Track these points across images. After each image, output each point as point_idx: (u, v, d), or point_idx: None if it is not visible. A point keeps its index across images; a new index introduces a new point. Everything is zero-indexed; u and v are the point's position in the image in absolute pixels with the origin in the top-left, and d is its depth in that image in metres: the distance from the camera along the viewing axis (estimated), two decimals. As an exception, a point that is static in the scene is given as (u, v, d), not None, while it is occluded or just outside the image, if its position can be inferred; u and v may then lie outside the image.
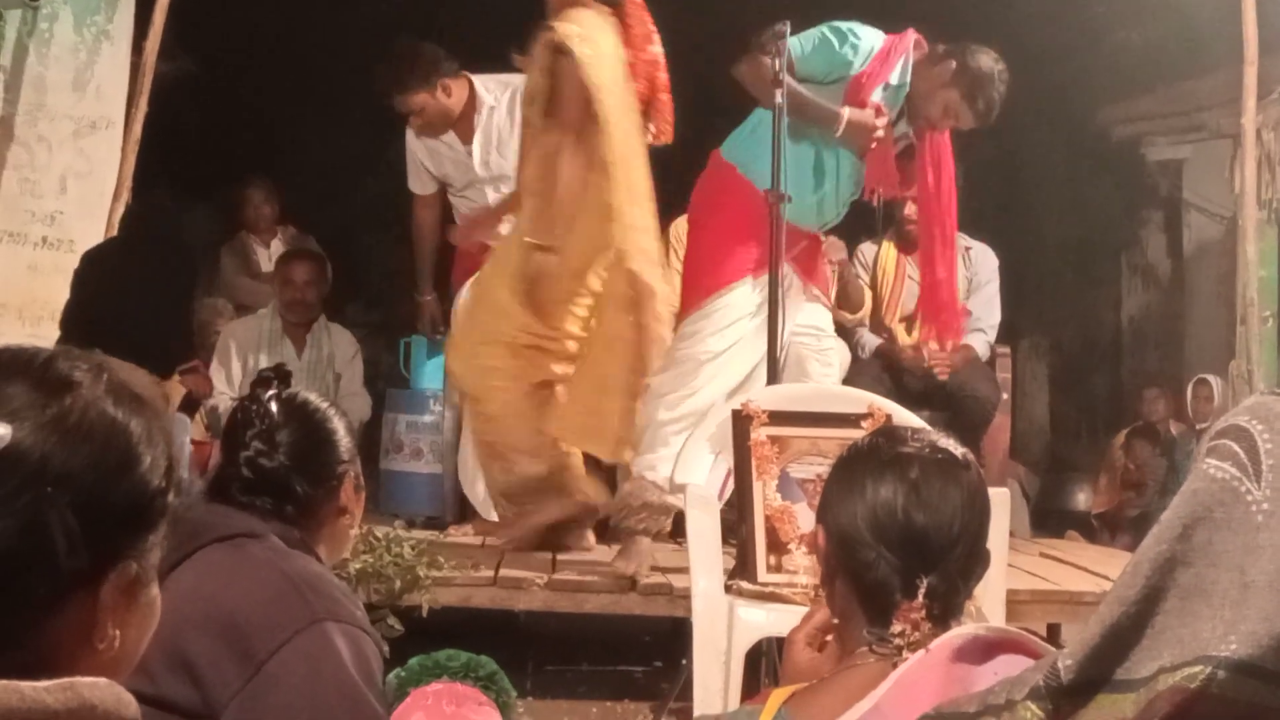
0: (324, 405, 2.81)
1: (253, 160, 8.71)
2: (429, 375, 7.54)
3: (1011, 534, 5.39)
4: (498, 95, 6.68)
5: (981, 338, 7.09)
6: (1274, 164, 7.56)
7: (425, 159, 6.92)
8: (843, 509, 2.19)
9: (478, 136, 6.72)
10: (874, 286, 7.12)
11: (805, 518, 4.44)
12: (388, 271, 8.86)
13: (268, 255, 8.34)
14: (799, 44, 5.29)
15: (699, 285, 5.47)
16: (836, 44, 5.33)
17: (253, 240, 8.43)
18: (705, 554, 4.39)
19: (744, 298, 5.35)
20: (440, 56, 6.66)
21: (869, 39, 5.37)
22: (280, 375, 2.78)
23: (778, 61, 5.06)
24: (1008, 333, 7.38)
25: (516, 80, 6.31)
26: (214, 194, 8.89)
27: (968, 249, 7.18)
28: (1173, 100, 8.74)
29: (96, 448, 1.47)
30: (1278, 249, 7.61)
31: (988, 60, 5.34)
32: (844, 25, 5.36)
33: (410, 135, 6.88)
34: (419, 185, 7.06)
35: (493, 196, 6.67)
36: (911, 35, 5.40)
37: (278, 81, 9.11)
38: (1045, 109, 7.52)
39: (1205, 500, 1.72)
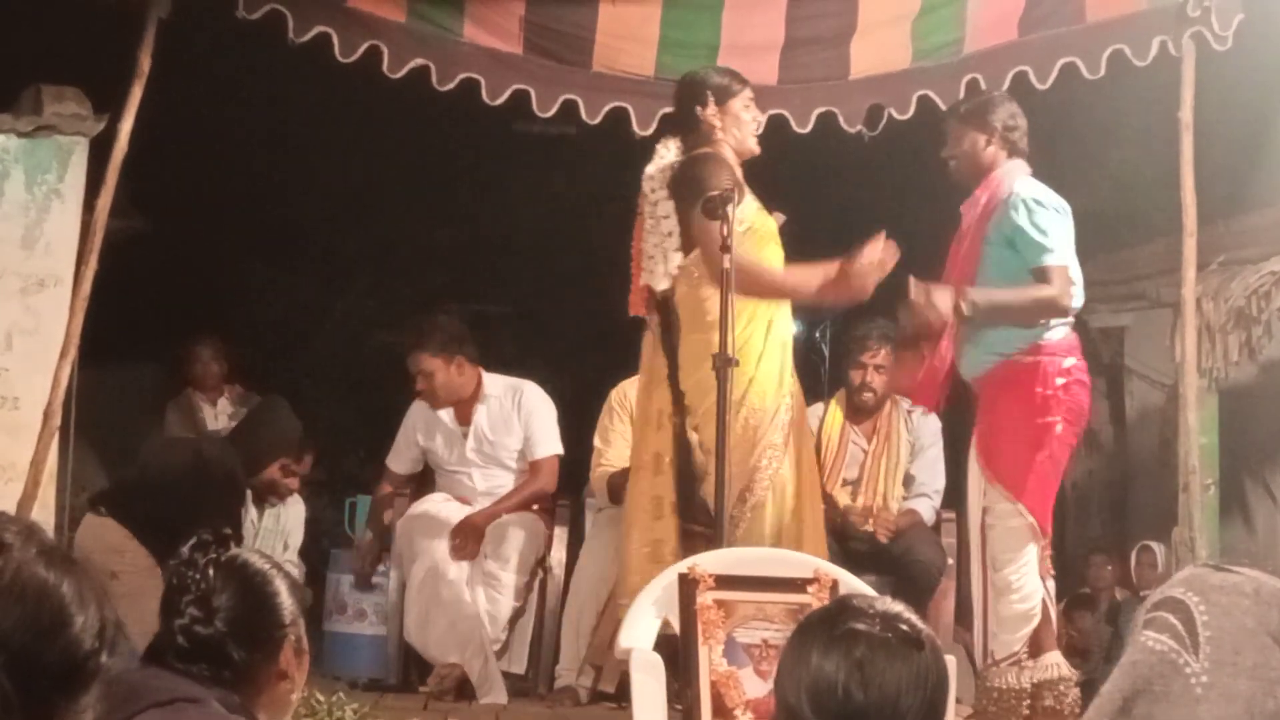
0: (265, 566, 2.77)
1: (201, 318, 8.72)
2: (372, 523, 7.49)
3: (958, 701, 5.36)
4: (501, 389, 7.03)
5: (926, 503, 7.09)
6: (1214, 333, 7.67)
7: (421, 430, 7.15)
8: (789, 680, 2.19)
9: (475, 423, 7.00)
10: (817, 450, 7.12)
11: (751, 683, 4.42)
12: (334, 429, 8.85)
13: (213, 413, 8.32)
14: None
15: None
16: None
17: (199, 398, 8.41)
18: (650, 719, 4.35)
19: None
20: (466, 337, 7.01)
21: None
22: (218, 538, 2.75)
23: (725, 227, 5.11)
24: (952, 498, 7.38)
25: (519, 381, 7.04)
26: (162, 352, 8.88)
27: (910, 413, 7.21)
28: (1113, 268, 8.86)
29: (28, 609, 1.46)
30: (1218, 417, 7.69)
31: None
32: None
33: (414, 405, 7.16)
34: (399, 463, 7.28)
35: (479, 481, 6.99)
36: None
37: (228, 240, 9.16)
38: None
39: (1144, 673, 1.73)
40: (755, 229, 5.47)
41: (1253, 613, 1.79)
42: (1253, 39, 6.49)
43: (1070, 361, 5.54)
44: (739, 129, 5.57)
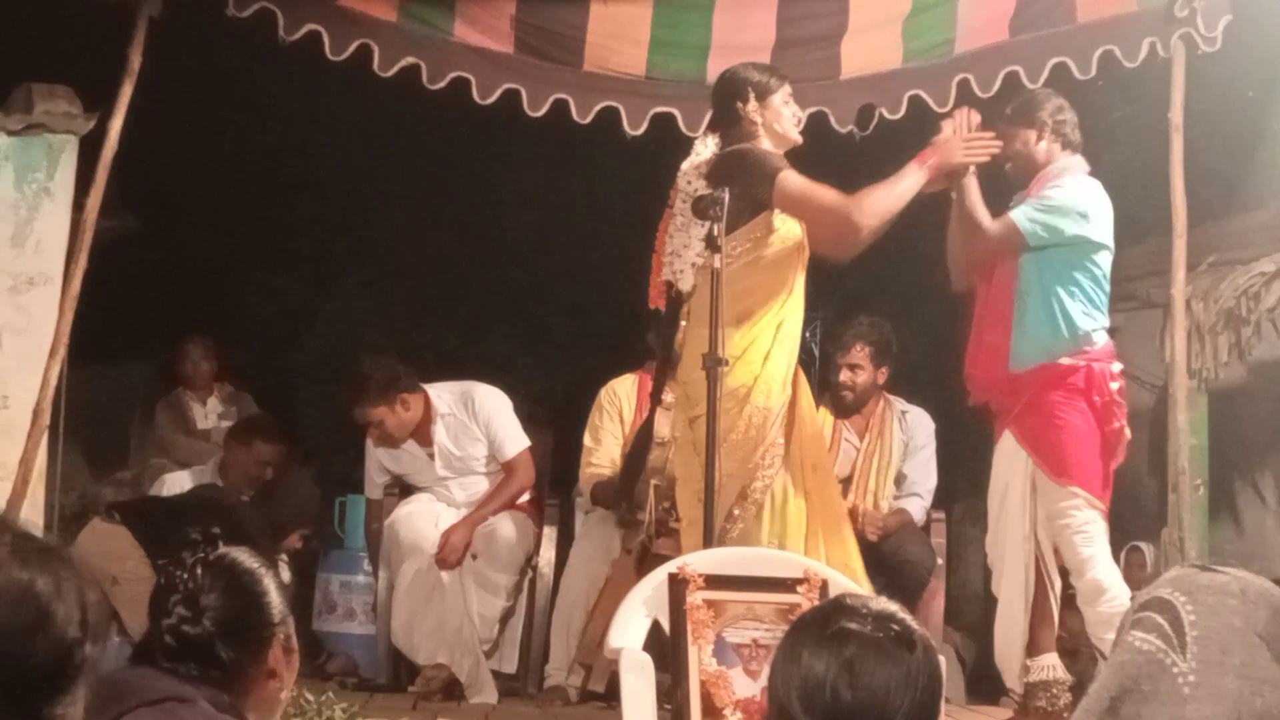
0: (254, 565, 2.77)
1: (192, 317, 8.70)
2: (363, 534, 7.50)
3: (947, 701, 5.38)
4: (451, 402, 6.98)
5: (917, 502, 7.11)
6: (1204, 334, 7.67)
7: (387, 460, 7.17)
8: (780, 678, 2.19)
9: (437, 443, 6.98)
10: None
11: (740, 683, 4.42)
12: (324, 428, 8.84)
13: (203, 413, 8.31)
14: None
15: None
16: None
17: (189, 397, 8.41)
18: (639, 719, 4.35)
19: None
20: (399, 373, 6.98)
21: None
22: (207, 538, 2.75)
23: (717, 227, 5.11)
24: (943, 498, 7.40)
25: (465, 386, 6.98)
26: (153, 350, 8.87)
27: (904, 413, 7.24)
28: (1104, 269, 8.87)
29: (7, 611, 1.45)
30: (1208, 418, 7.68)
31: None
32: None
33: (370, 443, 7.17)
34: (376, 490, 7.30)
35: (458, 492, 6.99)
36: None
37: (218, 239, 9.14)
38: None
39: (1132, 673, 1.73)
40: (780, 233, 5.46)
41: (1240, 612, 1.80)
42: (1241, 40, 6.50)
43: (1118, 367, 5.70)
44: (779, 123, 5.56)
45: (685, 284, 5.46)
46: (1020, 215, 5.63)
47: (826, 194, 5.33)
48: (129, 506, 6.68)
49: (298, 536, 7.01)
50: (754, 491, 5.33)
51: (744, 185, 5.29)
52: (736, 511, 5.31)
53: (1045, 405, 5.61)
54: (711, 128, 5.69)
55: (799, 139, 5.62)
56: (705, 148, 5.62)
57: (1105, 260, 5.74)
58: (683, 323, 5.49)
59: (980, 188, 5.70)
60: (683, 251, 5.48)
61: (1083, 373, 5.60)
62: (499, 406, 6.98)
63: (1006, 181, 5.92)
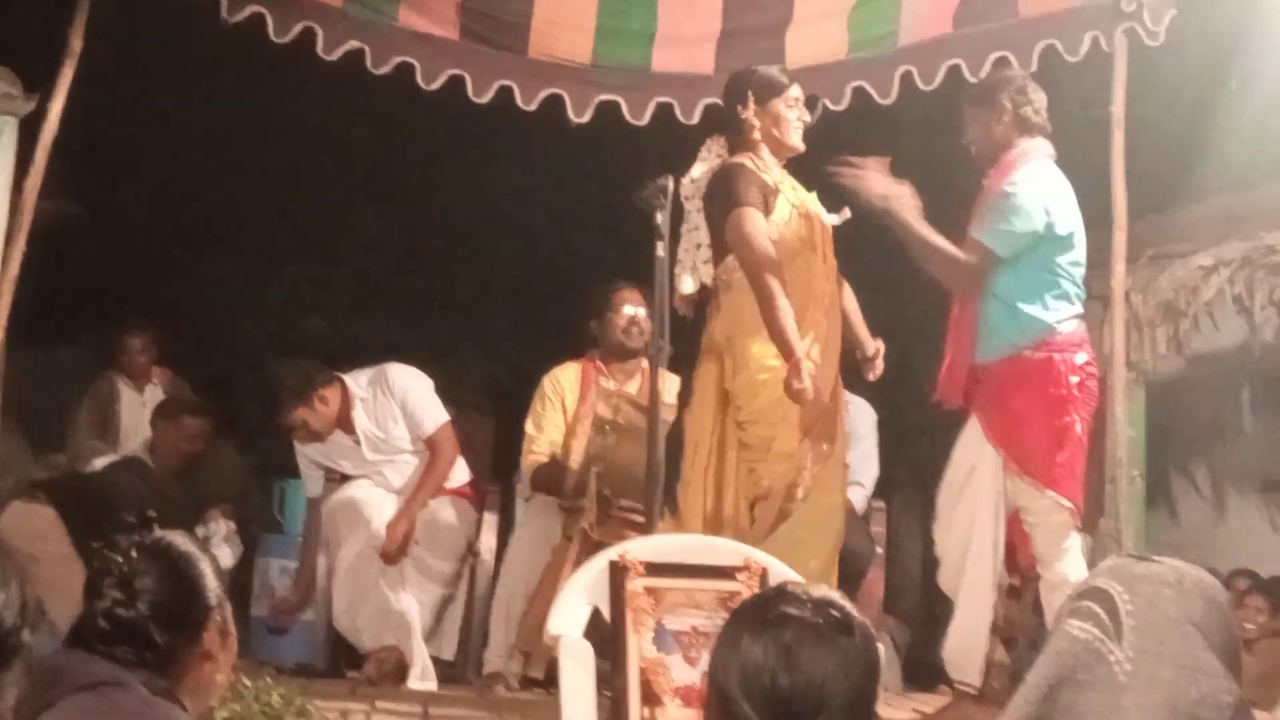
0: (189, 548, 2.75)
1: (132, 301, 8.64)
2: (302, 520, 7.47)
3: (884, 688, 5.39)
4: (366, 385, 6.98)
5: (859, 491, 7.12)
6: (1142, 326, 7.74)
7: (316, 455, 7.13)
8: (720, 662, 2.21)
9: (359, 428, 6.96)
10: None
11: (679, 670, 4.43)
12: (264, 414, 8.81)
13: (140, 400, 8.23)
14: None
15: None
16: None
17: (125, 384, 8.32)
18: (578, 706, 4.36)
19: None
20: (311, 372, 6.98)
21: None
22: (142, 520, 2.73)
23: (660, 215, 5.10)
24: (883, 487, 7.42)
25: (380, 367, 6.97)
26: (93, 334, 8.80)
27: (847, 403, 7.25)
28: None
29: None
30: (1145, 410, 7.75)
31: None
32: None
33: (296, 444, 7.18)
34: (315, 486, 7.25)
35: (393, 476, 6.95)
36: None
37: (160, 223, 9.08)
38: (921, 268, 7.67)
39: (1069, 661, 1.75)
40: (784, 240, 5.40)
41: (1175, 602, 1.82)
42: (1184, 35, 6.55)
43: (1082, 358, 5.47)
44: (779, 128, 5.49)
45: (685, 288, 5.50)
46: (986, 234, 5.45)
47: (761, 255, 5.27)
48: (53, 485, 6.61)
49: (226, 511, 7.02)
50: (796, 491, 5.34)
51: (721, 206, 5.30)
52: (784, 508, 5.33)
53: (1009, 400, 5.48)
54: (721, 130, 5.66)
55: (800, 146, 5.54)
56: (709, 153, 5.59)
57: (1071, 248, 5.53)
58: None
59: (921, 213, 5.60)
60: (683, 258, 5.52)
61: (1042, 365, 5.45)
62: (413, 383, 6.95)
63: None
